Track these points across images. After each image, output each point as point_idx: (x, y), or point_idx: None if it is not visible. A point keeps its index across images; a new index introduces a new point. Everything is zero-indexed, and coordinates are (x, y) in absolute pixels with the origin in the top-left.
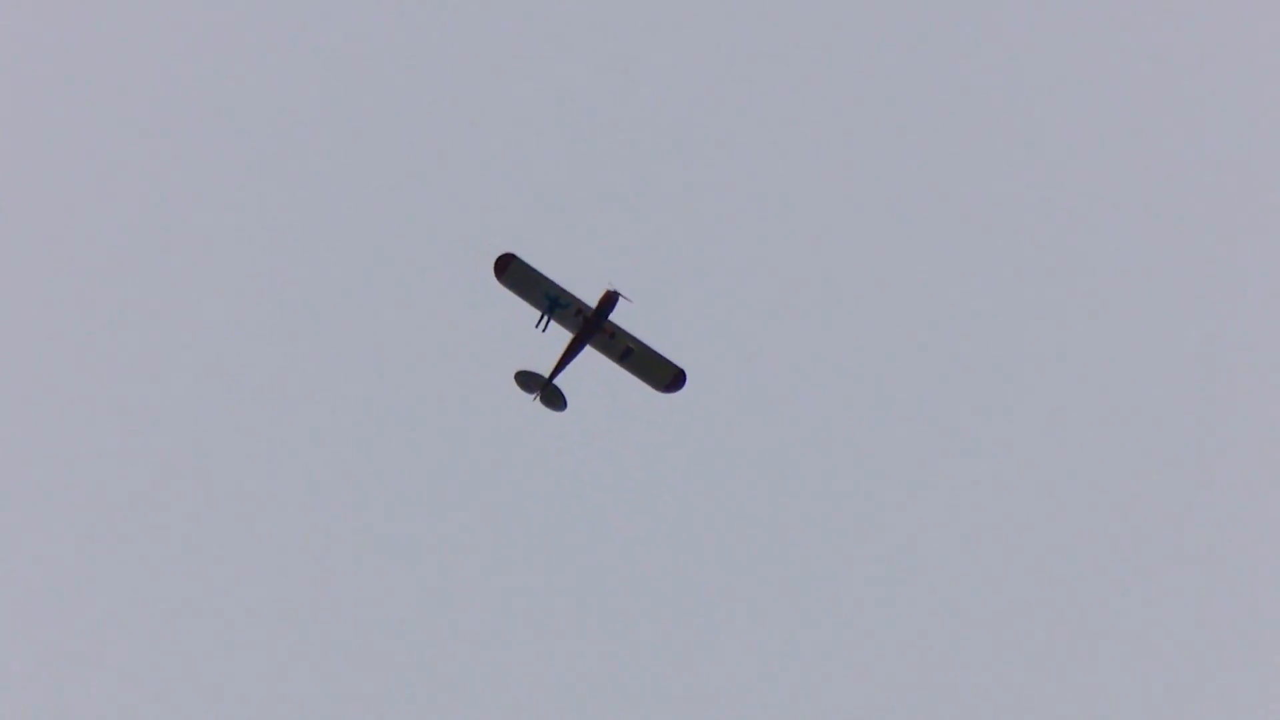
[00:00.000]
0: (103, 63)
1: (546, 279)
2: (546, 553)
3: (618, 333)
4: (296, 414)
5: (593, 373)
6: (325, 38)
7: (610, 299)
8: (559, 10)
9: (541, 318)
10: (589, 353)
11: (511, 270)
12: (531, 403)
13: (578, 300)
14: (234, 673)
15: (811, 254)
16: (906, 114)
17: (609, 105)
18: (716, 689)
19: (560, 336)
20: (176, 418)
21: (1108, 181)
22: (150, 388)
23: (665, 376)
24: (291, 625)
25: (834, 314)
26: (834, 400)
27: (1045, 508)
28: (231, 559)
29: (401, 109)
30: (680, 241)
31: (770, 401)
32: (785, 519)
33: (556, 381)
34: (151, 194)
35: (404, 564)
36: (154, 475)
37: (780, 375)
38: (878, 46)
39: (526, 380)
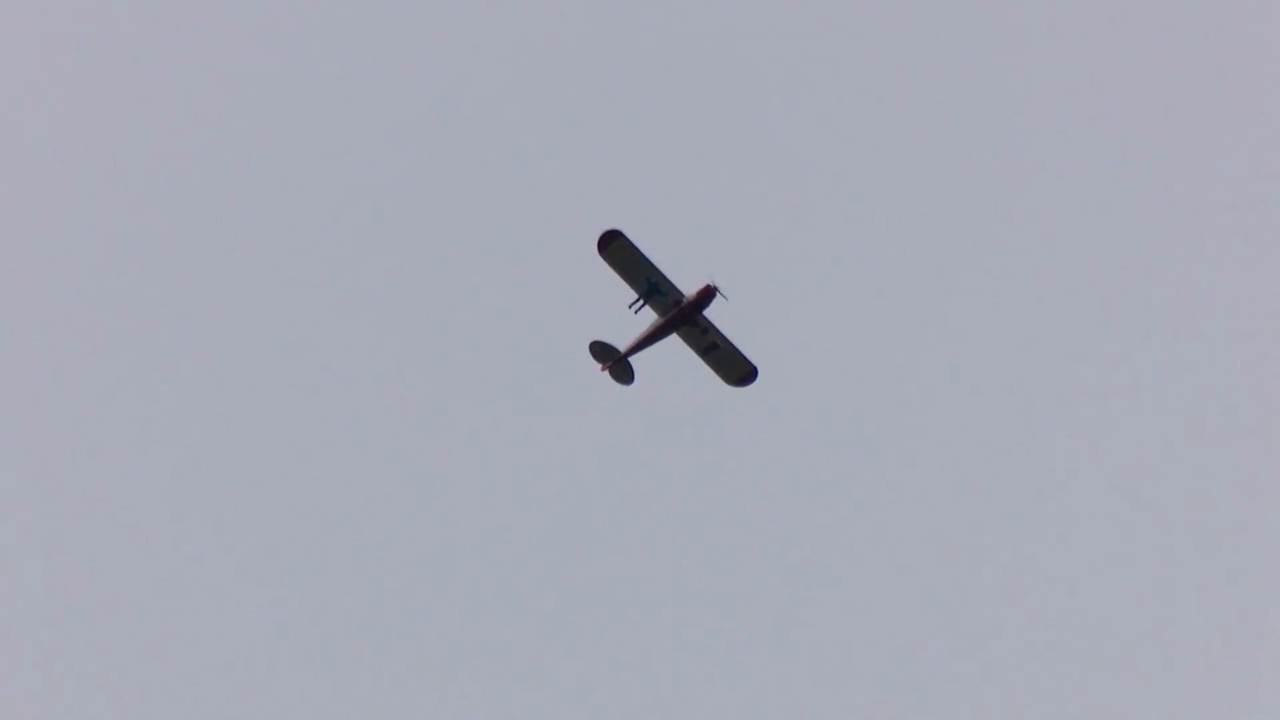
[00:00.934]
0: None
1: (649, 262)
2: (578, 530)
3: (710, 328)
4: (368, 361)
5: (667, 356)
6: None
7: (709, 293)
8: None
9: (637, 299)
10: (671, 339)
11: (615, 247)
12: (599, 372)
13: (676, 289)
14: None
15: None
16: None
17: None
18: (746, 685)
19: (644, 316)
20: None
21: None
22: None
23: (738, 372)
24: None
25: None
26: (898, 423)
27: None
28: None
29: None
30: (785, 239)
31: (838, 406)
32: (820, 523)
33: (630, 360)
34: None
35: (435, 526)
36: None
37: (856, 385)
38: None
39: (601, 351)
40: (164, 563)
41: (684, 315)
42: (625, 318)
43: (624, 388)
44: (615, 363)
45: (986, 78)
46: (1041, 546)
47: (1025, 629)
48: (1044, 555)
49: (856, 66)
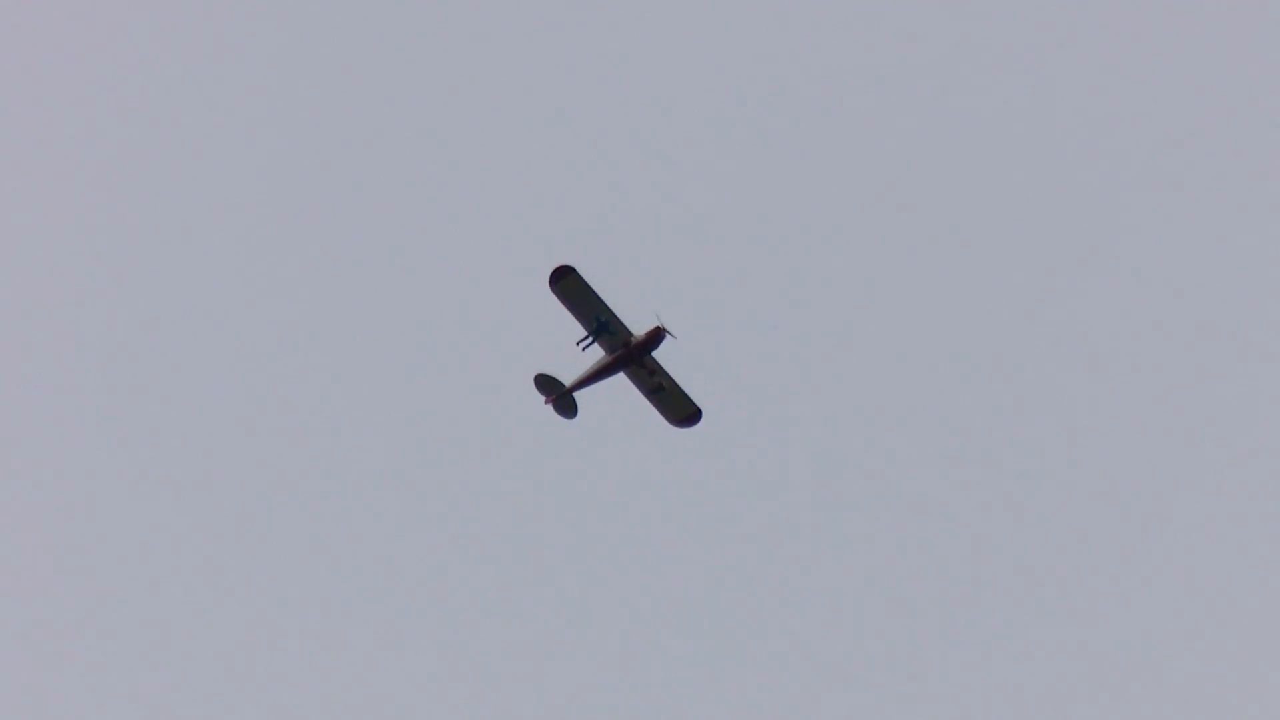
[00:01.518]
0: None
1: (601, 300)
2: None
3: (657, 370)
4: (317, 389)
5: (612, 394)
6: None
7: (658, 335)
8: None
9: (585, 337)
10: (618, 377)
11: (567, 283)
12: (543, 405)
13: (625, 329)
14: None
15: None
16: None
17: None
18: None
19: (591, 352)
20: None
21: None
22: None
23: (682, 412)
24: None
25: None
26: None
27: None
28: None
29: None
30: (735, 282)
31: (780, 447)
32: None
33: (574, 395)
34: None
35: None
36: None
37: (798, 426)
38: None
39: (546, 384)
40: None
41: (631, 355)
42: (573, 353)
43: (566, 421)
44: (559, 396)
45: (921, 122)
46: (981, 574)
47: (968, 665)
48: (984, 582)
49: (807, 108)
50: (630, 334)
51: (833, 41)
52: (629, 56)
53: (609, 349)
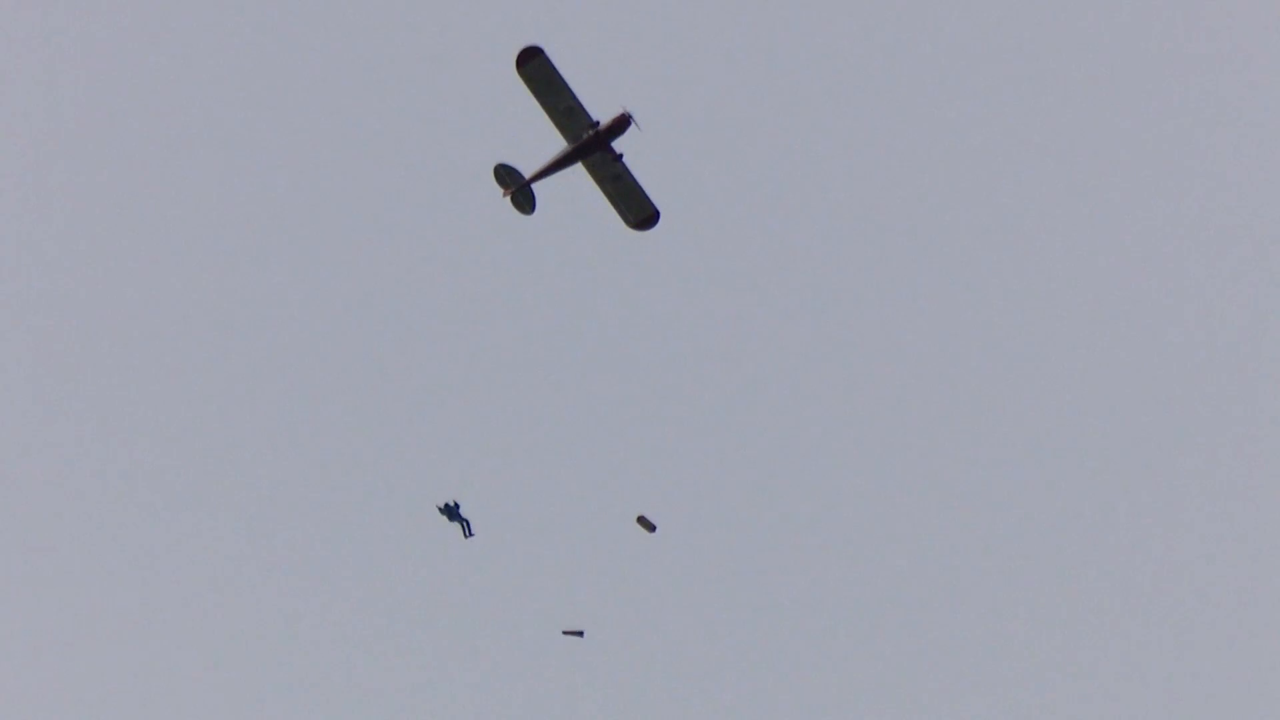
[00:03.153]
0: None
1: (566, 85)
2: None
3: (619, 158)
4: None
5: (570, 190)
6: None
7: (624, 121)
8: None
9: (464, 529)
10: (577, 171)
11: (533, 66)
12: (501, 198)
13: (589, 116)
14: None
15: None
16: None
17: None
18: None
19: (551, 145)
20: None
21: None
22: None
23: (641, 213)
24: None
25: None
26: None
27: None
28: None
29: None
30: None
31: (734, 261)
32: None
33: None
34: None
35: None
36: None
37: (751, 245)
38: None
39: (505, 175)
40: None
41: (598, 140)
42: (527, 140)
43: (524, 217)
44: (518, 189)
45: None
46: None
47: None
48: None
49: None
50: (593, 120)
51: None
52: None
53: (574, 136)
